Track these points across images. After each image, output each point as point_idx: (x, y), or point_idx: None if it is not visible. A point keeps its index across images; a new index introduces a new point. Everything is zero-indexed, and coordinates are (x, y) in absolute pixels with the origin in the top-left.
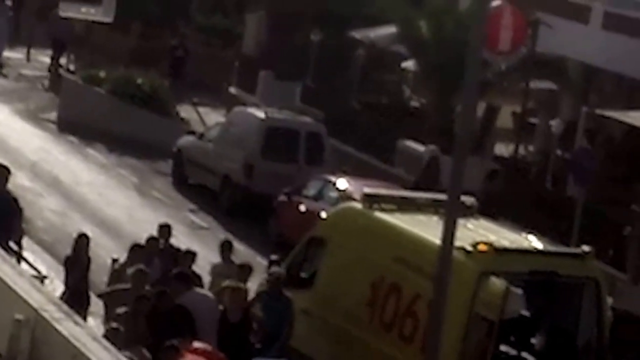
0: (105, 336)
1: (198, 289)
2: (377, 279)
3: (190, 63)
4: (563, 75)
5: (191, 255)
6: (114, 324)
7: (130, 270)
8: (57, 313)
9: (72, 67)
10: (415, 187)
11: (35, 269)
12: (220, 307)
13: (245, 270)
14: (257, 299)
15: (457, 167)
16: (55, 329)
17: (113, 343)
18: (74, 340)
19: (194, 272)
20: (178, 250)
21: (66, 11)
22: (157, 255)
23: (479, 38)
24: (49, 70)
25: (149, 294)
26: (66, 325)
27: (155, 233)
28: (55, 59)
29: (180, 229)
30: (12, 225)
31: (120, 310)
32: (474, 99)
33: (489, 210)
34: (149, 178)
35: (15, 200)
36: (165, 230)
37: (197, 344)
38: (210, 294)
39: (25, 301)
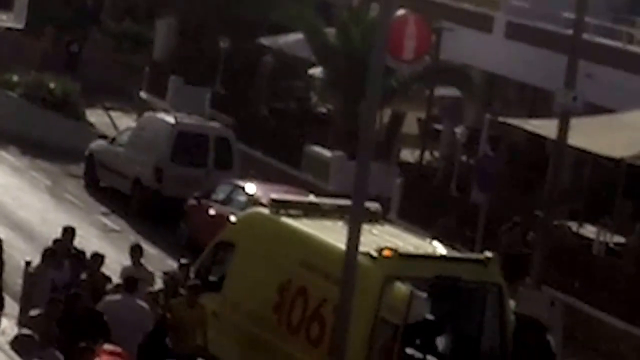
0: (16, 341)
1: (135, 298)
2: (285, 283)
3: (90, 62)
4: (467, 82)
5: (99, 258)
6: (25, 330)
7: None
8: None
9: None
10: None
11: None
12: None
13: (97, 259)
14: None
15: (361, 172)
16: None
17: (23, 349)
18: None
19: (103, 275)
20: (82, 253)
21: None
22: (67, 258)
23: (381, 45)
24: None
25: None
26: None
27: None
28: None
29: (92, 232)
30: None
31: (34, 312)
32: (377, 105)
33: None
34: (61, 181)
35: None
36: (69, 232)
37: (108, 346)
38: (139, 302)
39: None
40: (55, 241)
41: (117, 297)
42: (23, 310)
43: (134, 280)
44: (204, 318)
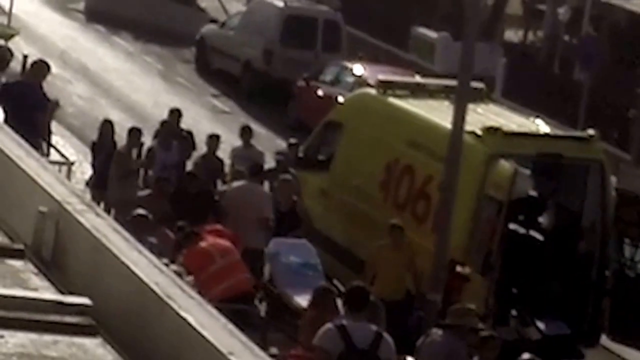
0: (132, 221)
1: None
2: (392, 161)
3: None
4: None
5: (216, 139)
6: (141, 210)
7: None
8: (79, 205)
9: None
10: None
11: (63, 155)
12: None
13: (213, 140)
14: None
15: (467, 53)
16: (78, 221)
17: (138, 228)
18: (95, 231)
19: (216, 156)
20: (190, 133)
21: None
22: (175, 139)
23: None
24: None
25: (166, 175)
26: (88, 217)
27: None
28: None
29: (203, 113)
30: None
31: (143, 193)
32: None
33: None
34: (173, 65)
35: (45, 95)
36: (175, 114)
37: (216, 226)
38: (260, 187)
39: (49, 194)
40: (163, 122)
41: (241, 183)
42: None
43: (259, 166)
44: (412, 260)
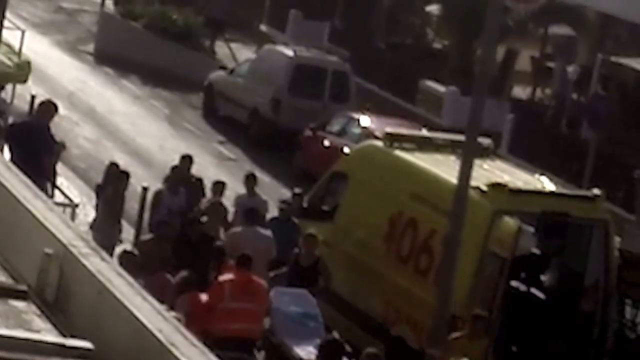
0: (120, 258)
1: (257, 228)
2: (396, 214)
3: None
4: (580, 22)
5: (221, 185)
6: (128, 248)
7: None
8: (84, 249)
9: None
10: None
11: (67, 197)
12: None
13: (219, 187)
14: (267, 225)
15: (476, 108)
16: (83, 264)
17: (128, 266)
18: (100, 275)
19: (220, 203)
20: (200, 180)
21: None
22: (183, 185)
23: None
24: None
25: (170, 220)
26: (93, 260)
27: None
28: None
29: (209, 160)
30: (47, 162)
31: (147, 237)
32: (494, 43)
33: None
34: (180, 110)
35: (52, 136)
36: (186, 160)
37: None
38: (268, 233)
39: (54, 236)
40: (173, 168)
41: (238, 229)
42: (139, 235)
43: (252, 210)
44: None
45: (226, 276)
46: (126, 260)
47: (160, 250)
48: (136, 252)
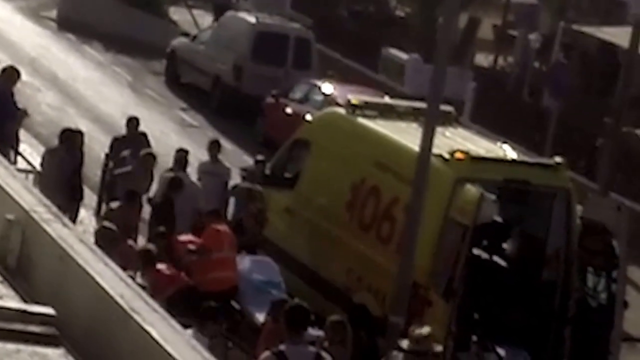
0: (98, 234)
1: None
2: (358, 182)
3: None
4: None
5: (184, 153)
6: (107, 223)
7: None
8: (46, 214)
9: None
10: None
11: (29, 163)
12: None
13: (215, 146)
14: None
15: (438, 76)
16: (44, 230)
17: (105, 242)
18: (61, 241)
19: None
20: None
21: None
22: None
23: None
24: None
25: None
26: (55, 226)
27: (144, 129)
28: None
29: (171, 127)
30: (10, 128)
31: (114, 205)
32: (456, 10)
33: None
34: (143, 77)
35: (14, 103)
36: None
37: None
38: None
39: (16, 202)
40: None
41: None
42: (101, 201)
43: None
44: None
45: (218, 226)
46: (105, 235)
47: (127, 218)
48: (113, 227)
